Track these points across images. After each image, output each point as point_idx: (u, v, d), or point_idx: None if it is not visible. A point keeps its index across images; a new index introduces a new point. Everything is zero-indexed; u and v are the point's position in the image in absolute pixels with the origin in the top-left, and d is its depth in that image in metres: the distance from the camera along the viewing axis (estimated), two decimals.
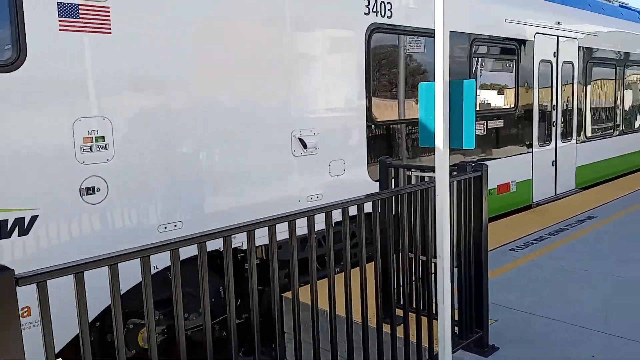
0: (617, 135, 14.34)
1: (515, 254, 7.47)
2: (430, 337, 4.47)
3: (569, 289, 6.12)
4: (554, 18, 11.36)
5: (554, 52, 11.41)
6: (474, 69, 9.15)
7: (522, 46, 10.34)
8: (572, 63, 12.00)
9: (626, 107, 14.88)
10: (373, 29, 7.28)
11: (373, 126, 7.49)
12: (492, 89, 10.17)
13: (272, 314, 3.46)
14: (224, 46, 5.83)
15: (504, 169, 9.99)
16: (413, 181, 5.11)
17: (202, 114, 5.71)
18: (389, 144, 7.85)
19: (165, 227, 5.46)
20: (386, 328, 4.30)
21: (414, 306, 4.67)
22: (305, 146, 6.56)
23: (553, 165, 11.62)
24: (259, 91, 6.16)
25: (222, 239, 3.10)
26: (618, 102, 14.35)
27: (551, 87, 11.45)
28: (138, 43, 5.13)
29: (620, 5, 15.30)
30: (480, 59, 9.50)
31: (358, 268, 3.93)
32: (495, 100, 10.18)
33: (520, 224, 9.09)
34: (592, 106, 12.99)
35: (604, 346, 4.81)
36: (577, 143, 12.37)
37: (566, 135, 12.04)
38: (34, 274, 2.34)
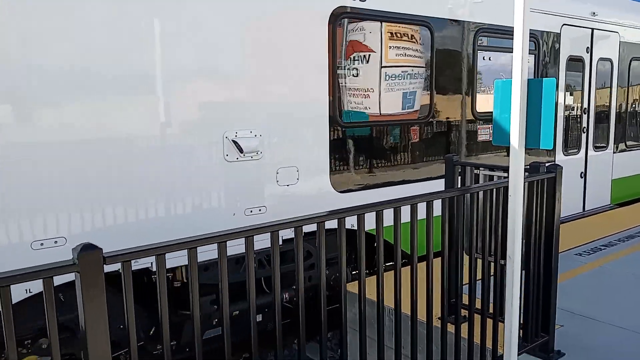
0: None
1: (582, 259, 7.24)
2: (494, 338, 4.41)
3: (638, 298, 5.89)
4: (588, 8, 9.80)
5: (587, 48, 9.92)
6: (476, 64, 7.93)
7: (544, 40, 8.91)
8: (610, 60, 10.47)
9: None
10: (340, 14, 6.21)
11: (339, 127, 6.41)
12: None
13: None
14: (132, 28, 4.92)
15: None
16: (481, 180, 5.04)
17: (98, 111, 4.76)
18: (361, 149, 6.70)
19: (42, 244, 4.56)
20: (450, 328, 4.26)
21: (479, 307, 4.60)
22: (241, 150, 5.55)
23: (582, 177, 10.14)
24: (179, 84, 5.21)
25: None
26: None
27: (582, 87, 9.97)
28: None
29: None
30: (485, 53, 8.18)
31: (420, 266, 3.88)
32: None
33: (588, 228, 8.80)
34: (637, 110, 11.40)
35: None
36: (614, 152, 10.78)
37: (600, 143, 10.51)
38: (119, 254, 2.45)
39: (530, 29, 7.96)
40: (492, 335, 4.37)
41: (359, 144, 6.64)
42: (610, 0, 10.51)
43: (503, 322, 4.40)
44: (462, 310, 4.53)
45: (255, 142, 5.64)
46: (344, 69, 6.45)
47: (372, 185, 6.81)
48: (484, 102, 8.10)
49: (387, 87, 6.86)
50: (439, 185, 6.79)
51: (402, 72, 7.00)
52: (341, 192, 6.46)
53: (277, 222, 3.07)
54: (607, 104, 10.54)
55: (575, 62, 9.70)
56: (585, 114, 10.05)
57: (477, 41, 7.86)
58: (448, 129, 7.66)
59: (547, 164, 4.61)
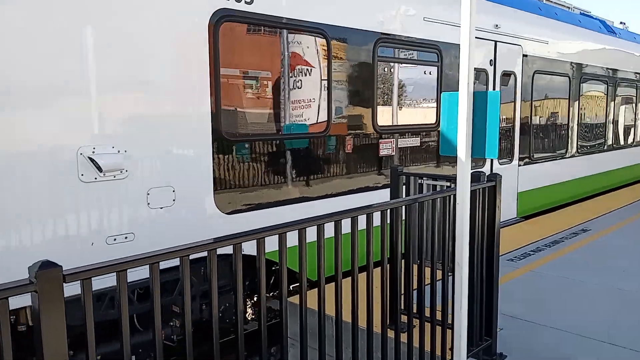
0: (570, 157, 12.55)
1: (514, 264, 7.55)
2: (432, 343, 4.48)
3: (571, 300, 6.21)
4: (490, 20, 9.59)
5: (491, 60, 9.71)
6: (377, 75, 7.46)
7: (447, 51, 8.51)
8: (513, 74, 10.29)
9: (583, 125, 13.06)
10: (222, 17, 5.61)
11: (225, 141, 5.78)
12: (406, 102, 8.36)
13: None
14: None
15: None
16: (425, 189, 5.18)
17: None
18: (252, 165, 6.12)
19: None
20: (391, 334, 4.30)
21: (426, 315, 4.69)
22: (100, 169, 4.84)
23: None
24: (16, 94, 4.45)
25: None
26: (572, 119, 12.51)
27: None
28: None
29: (581, 13, 14.04)
30: (386, 64, 7.75)
31: (364, 274, 3.88)
32: (408, 114, 8.39)
33: (514, 235, 9.19)
34: (541, 124, 11.37)
35: (611, 358, 4.88)
36: (519, 165, 10.63)
37: (505, 156, 10.32)
38: (80, 271, 2.34)
39: (433, 40, 8.34)
40: (441, 340, 4.47)
41: (249, 159, 6.08)
42: (515, 13, 10.38)
43: (449, 328, 4.53)
44: (404, 316, 4.60)
45: (117, 159, 4.94)
46: (233, 78, 5.96)
47: (265, 204, 6.27)
48: (386, 116, 7.87)
49: (281, 99, 6.49)
50: (342, 202, 6.72)
51: (297, 83, 6.67)
52: (229, 213, 5.87)
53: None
54: (512, 117, 10.43)
55: (478, 75, 9.46)
56: None
57: (377, 51, 7.45)
58: (346, 143, 7.20)
59: (486, 173, 4.79)
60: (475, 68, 8.90)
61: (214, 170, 5.70)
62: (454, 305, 4.37)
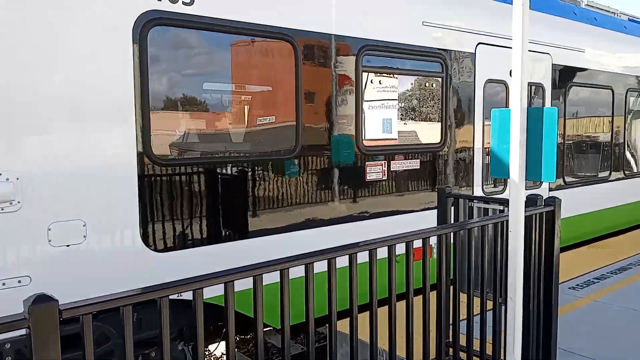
0: (617, 180, 10.93)
1: (576, 293, 7.00)
2: None
3: (638, 334, 5.65)
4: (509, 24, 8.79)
5: (511, 71, 8.86)
6: (361, 88, 6.44)
7: (454, 61, 7.48)
8: (541, 86, 9.02)
9: (629, 145, 11.34)
10: (150, 20, 4.82)
11: (156, 166, 4.92)
12: (402, 119, 7.35)
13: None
14: None
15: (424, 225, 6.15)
16: (475, 213, 4.81)
17: None
18: (191, 194, 5.15)
19: None
20: None
21: (476, 348, 4.32)
22: None
23: None
24: None
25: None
26: (617, 137, 10.94)
27: None
28: None
29: (629, 19, 11.98)
30: (373, 75, 6.79)
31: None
32: (404, 132, 7.39)
33: (576, 260, 8.58)
34: (575, 142, 9.97)
35: None
36: (550, 190, 9.24)
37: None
38: (78, 305, 2.13)
39: (436, 48, 7.25)
40: None
41: (187, 188, 5.13)
42: (542, 17, 8.91)
43: None
44: (457, 351, 4.25)
45: (7, 188, 4.17)
46: (166, 91, 5.14)
47: (207, 240, 5.31)
48: (376, 134, 6.98)
49: (232, 118, 5.65)
50: (310, 236, 5.94)
51: (254, 98, 5.77)
52: (161, 250, 4.98)
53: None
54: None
55: (496, 87, 8.35)
56: None
57: (362, 61, 6.43)
58: (321, 167, 6.13)
59: (543, 197, 4.38)
60: (489, 79, 8.07)
61: (140, 199, 4.82)
62: (506, 339, 3.98)
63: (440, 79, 7.37)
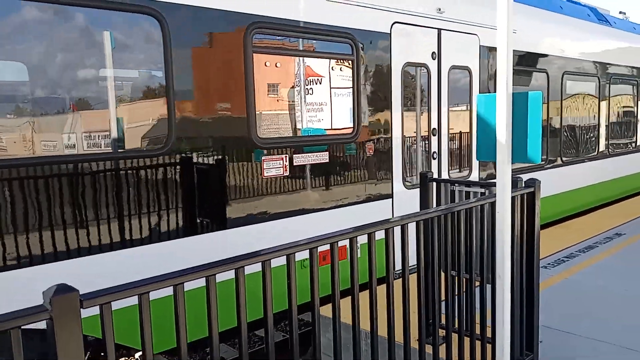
0: (554, 167, 10.61)
1: (548, 272, 7.25)
2: (473, 358, 4.25)
3: (610, 309, 5.90)
4: (431, 1, 7.59)
5: (434, 53, 7.78)
6: (252, 71, 5.65)
7: (366, 42, 6.72)
8: (467, 70, 8.35)
9: (577, 128, 11.08)
10: None
11: None
12: (307, 106, 6.53)
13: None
14: None
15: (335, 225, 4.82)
16: (457, 197, 4.93)
17: None
18: (25, 199, 4.34)
19: None
20: (428, 349, 4.06)
21: (456, 327, 4.44)
22: None
23: None
24: None
25: None
26: (557, 123, 10.58)
27: (429, 103, 7.73)
28: None
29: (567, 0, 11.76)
30: (269, 57, 6.02)
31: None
32: (310, 122, 6.57)
33: (545, 240, 8.84)
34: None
35: None
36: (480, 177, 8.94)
37: (461, 168, 8.43)
38: (99, 295, 2.15)
39: (344, 27, 6.52)
40: (481, 357, 4.22)
41: (19, 192, 4.31)
42: None
43: (489, 342, 4.29)
44: (440, 330, 4.36)
45: None
46: None
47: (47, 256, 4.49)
48: (273, 123, 6.21)
49: (78, 105, 4.76)
50: (190, 244, 5.26)
51: (103, 81, 4.83)
52: None
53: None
54: (470, 123, 8.47)
55: (415, 71, 7.69)
56: (434, 135, 7.86)
57: (251, 40, 5.65)
58: (203, 163, 5.38)
59: (524, 179, 4.53)
60: (408, 62, 7.44)
61: None
62: (493, 317, 4.12)
63: (350, 62, 6.65)
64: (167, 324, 2.96)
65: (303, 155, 6.21)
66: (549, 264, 7.63)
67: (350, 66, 6.64)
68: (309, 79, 6.50)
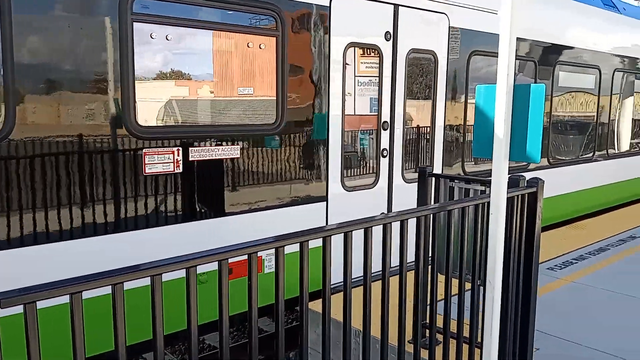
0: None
1: (554, 274, 6.95)
2: None
3: (616, 316, 5.61)
4: None
5: (388, 33, 6.62)
6: (131, 44, 4.59)
7: (296, 16, 5.67)
8: (431, 54, 7.17)
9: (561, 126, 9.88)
10: None
11: None
12: (212, 89, 5.45)
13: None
14: None
15: (253, 233, 4.09)
16: (456, 194, 4.66)
17: None
18: None
19: None
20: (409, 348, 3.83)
21: (454, 330, 4.21)
22: None
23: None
24: None
25: None
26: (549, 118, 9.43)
27: (379, 92, 6.62)
28: None
29: None
30: (157, 27, 4.81)
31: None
32: (216, 109, 5.52)
33: (555, 241, 8.54)
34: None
35: None
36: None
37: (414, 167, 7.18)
38: (21, 294, 1.93)
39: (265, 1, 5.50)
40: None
41: None
42: None
43: (477, 346, 4.04)
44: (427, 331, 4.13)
45: None
46: None
47: None
48: (163, 110, 5.17)
49: None
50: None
51: None
52: None
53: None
54: (433, 115, 7.31)
55: (363, 54, 6.61)
56: (384, 130, 6.75)
57: (132, 6, 4.60)
58: (48, 154, 4.31)
59: (527, 178, 4.24)
60: (352, 42, 6.30)
61: None
62: (483, 321, 3.87)
63: (274, 39, 5.56)
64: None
65: (202, 148, 5.15)
66: (555, 265, 7.33)
67: (274, 44, 5.57)
68: (216, 57, 5.36)
